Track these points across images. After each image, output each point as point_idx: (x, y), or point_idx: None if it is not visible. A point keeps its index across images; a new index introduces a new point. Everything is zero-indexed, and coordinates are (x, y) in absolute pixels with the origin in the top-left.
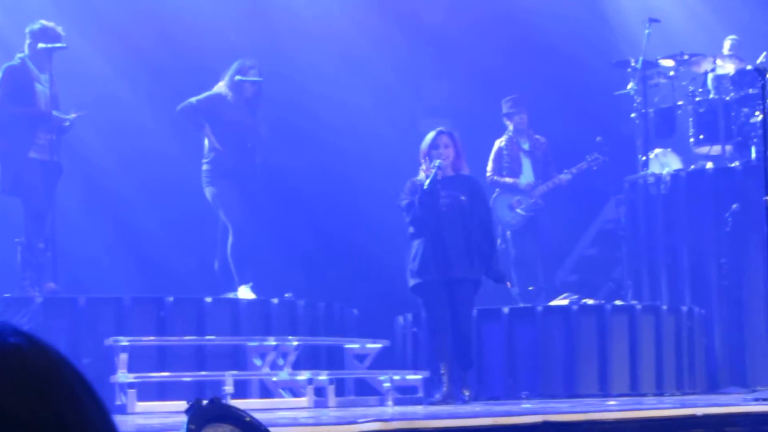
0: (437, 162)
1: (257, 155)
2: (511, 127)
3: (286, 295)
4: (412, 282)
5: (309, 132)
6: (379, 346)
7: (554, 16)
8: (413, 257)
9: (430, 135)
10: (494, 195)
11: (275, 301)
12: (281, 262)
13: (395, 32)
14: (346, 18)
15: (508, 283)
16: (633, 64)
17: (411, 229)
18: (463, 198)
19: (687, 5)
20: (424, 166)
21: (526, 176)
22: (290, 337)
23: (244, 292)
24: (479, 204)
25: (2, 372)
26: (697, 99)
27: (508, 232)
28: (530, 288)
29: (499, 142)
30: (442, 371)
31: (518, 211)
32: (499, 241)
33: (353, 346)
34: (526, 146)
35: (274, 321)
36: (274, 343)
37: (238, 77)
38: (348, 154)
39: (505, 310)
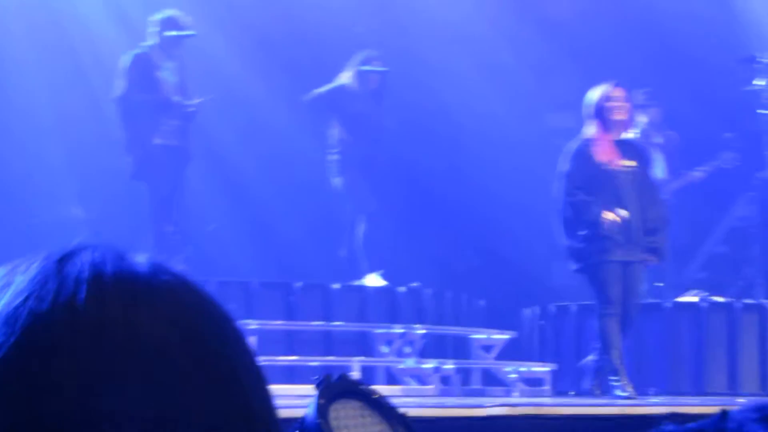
0: None
1: (383, 145)
2: (644, 120)
3: (414, 283)
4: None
5: (436, 122)
6: (506, 337)
7: (682, 11)
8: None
9: (601, 88)
10: None
11: (403, 289)
12: (410, 251)
13: (521, 23)
14: (474, 13)
15: None
16: (761, 59)
17: None
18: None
19: None
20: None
21: (658, 171)
22: (417, 326)
23: (374, 280)
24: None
25: (154, 308)
26: None
27: None
28: (659, 284)
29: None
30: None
31: None
32: None
33: (480, 336)
34: (659, 140)
35: (401, 309)
36: (401, 330)
37: (363, 67)
38: (477, 148)
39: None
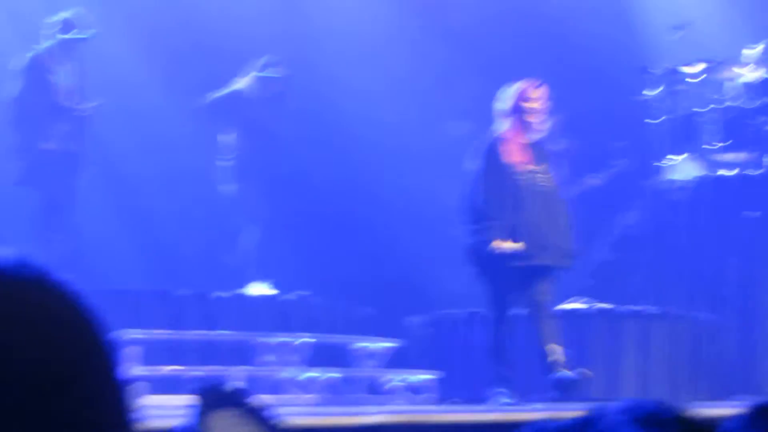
0: None
1: (279, 152)
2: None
3: (302, 292)
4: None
5: (333, 130)
6: (392, 345)
7: (580, 21)
8: None
9: (520, 85)
10: None
11: (291, 297)
12: (299, 259)
13: (423, 31)
14: (374, 21)
15: None
16: (657, 70)
17: None
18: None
19: (715, 12)
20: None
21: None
22: (303, 334)
23: (262, 289)
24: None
25: (12, 303)
26: (721, 106)
27: None
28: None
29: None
30: None
31: None
32: None
33: (366, 345)
34: (558, 147)
35: (289, 318)
36: (286, 339)
37: (261, 73)
38: (373, 156)
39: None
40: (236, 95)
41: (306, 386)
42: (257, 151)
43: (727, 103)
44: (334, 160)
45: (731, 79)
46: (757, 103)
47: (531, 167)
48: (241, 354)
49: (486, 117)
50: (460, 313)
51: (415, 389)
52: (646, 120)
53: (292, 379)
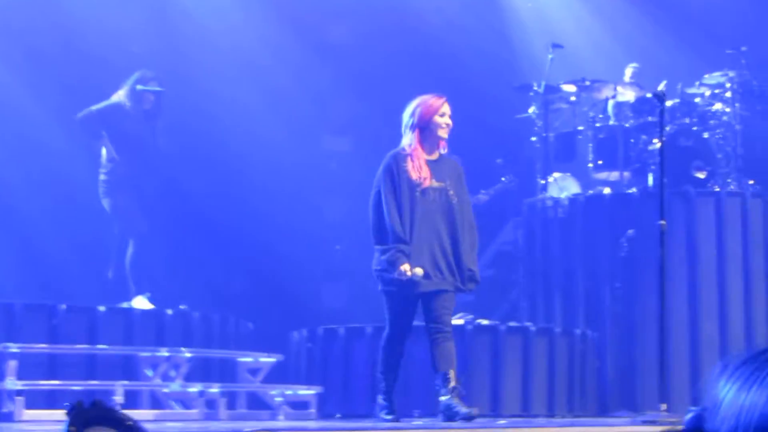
0: None
1: (155, 166)
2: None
3: (181, 306)
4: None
5: (211, 145)
6: (272, 360)
7: (459, 39)
8: None
9: (430, 99)
10: None
11: (170, 312)
12: (178, 273)
13: (301, 48)
14: (253, 37)
15: None
16: (535, 88)
17: None
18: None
19: (590, 32)
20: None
21: None
22: (183, 349)
23: (140, 302)
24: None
25: None
26: (598, 125)
27: None
28: None
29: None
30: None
31: None
32: None
33: (246, 359)
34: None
35: (168, 332)
36: (166, 354)
37: (138, 86)
38: (250, 169)
39: None
40: (112, 108)
41: (187, 401)
42: (134, 165)
43: (607, 122)
44: (214, 174)
45: (608, 98)
46: (633, 122)
47: (437, 184)
48: (121, 369)
49: (363, 133)
50: (340, 328)
51: (296, 404)
52: (532, 138)
53: (172, 394)
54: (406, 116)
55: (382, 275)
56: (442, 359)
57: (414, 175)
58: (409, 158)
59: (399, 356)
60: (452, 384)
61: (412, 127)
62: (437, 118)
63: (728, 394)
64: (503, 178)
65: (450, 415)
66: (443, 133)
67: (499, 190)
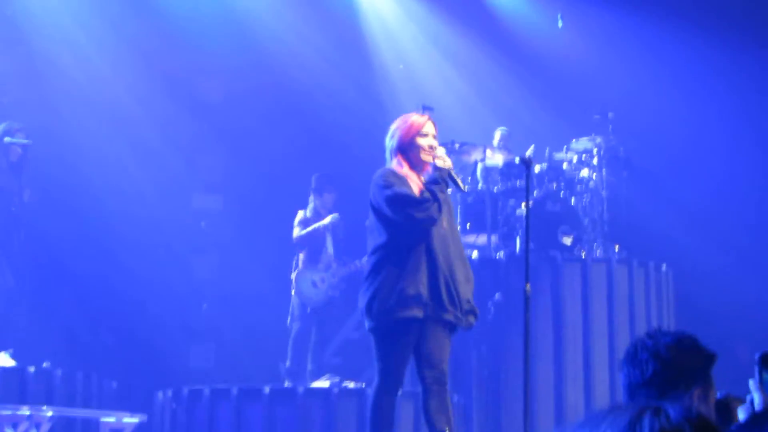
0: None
1: (21, 219)
2: (317, 203)
3: (44, 364)
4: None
5: (79, 199)
6: (136, 420)
7: (330, 99)
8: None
9: (411, 118)
10: (296, 270)
11: (32, 369)
12: (41, 330)
13: (171, 103)
14: (123, 92)
15: None
16: None
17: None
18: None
19: (460, 95)
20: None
21: (329, 253)
22: (44, 407)
23: (2, 359)
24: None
25: None
26: (468, 188)
27: (309, 308)
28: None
29: (305, 213)
30: None
31: (322, 288)
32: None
33: (109, 419)
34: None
35: (29, 390)
36: (27, 412)
37: (6, 139)
38: (119, 225)
39: (266, 389)
40: None
41: None
42: None
43: (476, 186)
44: (81, 229)
45: (477, 162)
46: (501, 186)
47: None
48: None
49: (234, 191)
50: (206, 388)
51: None
52: None
53: None
54: (387, 138)
55: (371, 309)
56: (440, 415)
57: (417, 191)
58: (406, 177)
59: (392, 413)
60: None
61: (393, 152)
62: (419, 140)
63: None
64: (368, 221)
65: None
66: (426, 157)
67: None
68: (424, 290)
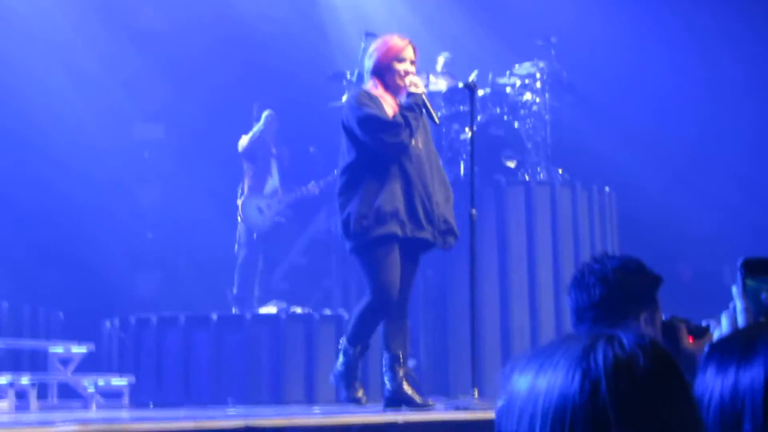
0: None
1: None
2: (262, 127)
3: None
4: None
5: (18, 128)
6: (83, 350)
7: (272, 27)
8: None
9: (392, 41)
10: (242, 197)
11: None
12: None
13: (111, 33)
14: (61, 20)
15: None
16: (348, 76)
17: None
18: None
19: (402, 21)
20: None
21: (274, 180)
22: None
23: None
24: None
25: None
26: None
27: (255, 234)
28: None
29: (251, 135)
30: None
31: (268, 214)
32: (236, 247)
33: (57, 350)
34: (274, 151)
35: None
36: None
37: None
38: (60, 154)
39: (214, 316)
40: None
41: None
42: None
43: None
44: (21, 160)
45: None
46: (445, 111)
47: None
48: None
49: (176, 120)
50: (153, 316)
51: (108, 394)
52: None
53: None
54: (366, 59)
55: (348, 229)
56: (397, 341)
57: (391, 113)
58: (380, 98)
59: (372, 332)
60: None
61: (369, 73)
62: (396, 65)
63: (524, 384)
64: (336, 171)
65: (397, 401)
66: (401, 82)
67: (330, 183)
68: (401, 206)
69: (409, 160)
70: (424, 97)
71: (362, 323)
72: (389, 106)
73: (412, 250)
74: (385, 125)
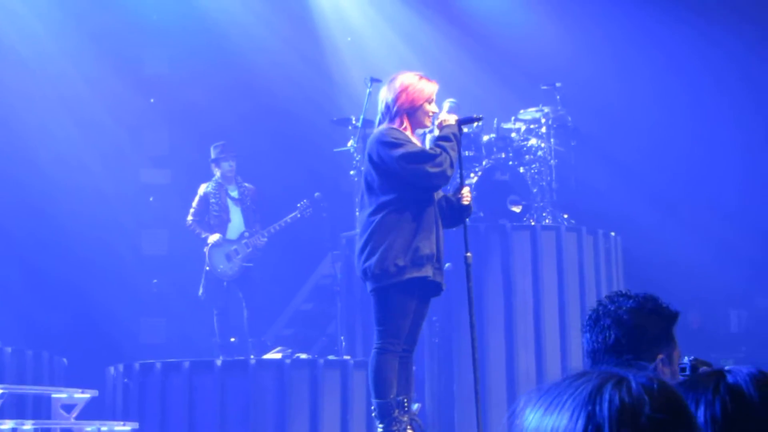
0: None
1: None
2: (218, 174)
3: None
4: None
5: (24, 176)
6: (87, 396)
7: (279, 73)
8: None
9: (429, 85)
10: (209, 245)
11: None
12: None
13: (117, 79)
14: (70, 70)
15: None
16: (354, 122)
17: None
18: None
19: (408, 66)
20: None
21: (236, 224)
22: None
23: None
24: None
25: None
26: None
27: (225, 283)
28: (232, 339)
29: (205, 187)
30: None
31: (236, 261)
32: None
33: (61, 395)
34: (234, 194)
35: None
36: None
37: None
38: (66, 200)
39: (218, 362)
40: None
41: None
42: None
43: None
44: (28, 207)
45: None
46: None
47: None
48: None
49: (182, 165)
50: (157, 362)
51: None
52: (350, 172)
53: None
54: (389, 98)
55: (381, 268)
56: (403, 382)
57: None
58: (408, 136)
59: (394, 374)
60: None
61: (397, 111)
62: (426, 106)
63: (532, 422)
64: (298, 205)
65: None
66: (428, 122)
67: (296, 219)
68: (434, 250)
69: (432, 202)
70: (457, 119)
71: (380, 370)
72: (416, 143)
73: (430, 293)
74: (428, 157)
